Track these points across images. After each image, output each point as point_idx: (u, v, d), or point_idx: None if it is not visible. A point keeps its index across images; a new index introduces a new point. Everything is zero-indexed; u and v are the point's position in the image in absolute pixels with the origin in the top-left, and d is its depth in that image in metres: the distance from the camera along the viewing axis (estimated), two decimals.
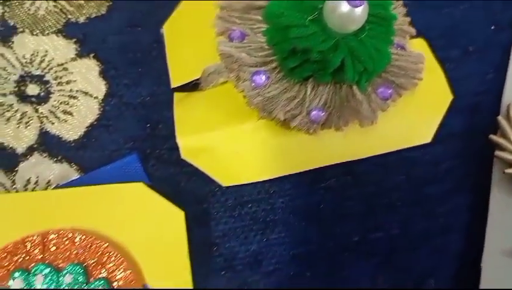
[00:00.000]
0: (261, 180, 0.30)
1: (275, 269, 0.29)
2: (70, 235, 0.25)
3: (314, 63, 0.27)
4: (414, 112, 0.31)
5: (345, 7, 0.25)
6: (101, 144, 0.30)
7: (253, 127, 0.30)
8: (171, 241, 0.26)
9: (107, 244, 0.25)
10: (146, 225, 0.26)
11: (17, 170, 0.28)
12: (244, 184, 0.30)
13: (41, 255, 0.24)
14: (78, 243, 0.25)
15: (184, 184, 0.30)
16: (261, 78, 0.29)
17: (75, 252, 0.25)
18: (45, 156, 0.29)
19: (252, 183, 0.30)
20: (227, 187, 0.30)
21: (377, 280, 0.29)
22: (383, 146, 0.31)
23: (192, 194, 0.30)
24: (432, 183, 0.31)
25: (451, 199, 0.31)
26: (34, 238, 0.24)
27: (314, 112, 0.29)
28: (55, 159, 0.29)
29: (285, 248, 0.30)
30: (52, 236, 0.24)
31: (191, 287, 0.26)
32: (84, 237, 0.25)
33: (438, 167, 0.31)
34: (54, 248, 0.24)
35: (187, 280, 0.26)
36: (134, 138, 0.31)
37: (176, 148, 0.30)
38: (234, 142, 0.30)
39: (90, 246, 0.25)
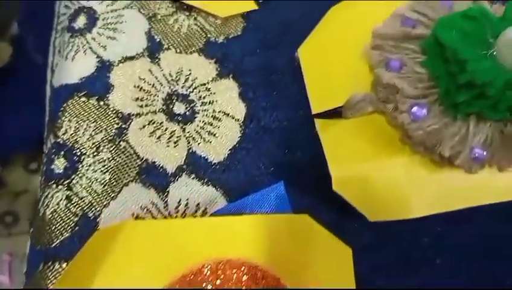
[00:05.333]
0: (410, 217, 0.29)
1: None
2: (238, 264, 0.24)
3: (484, 99, 0.26)
4: None
5: None
6: (243, 168, 0.29)
7: (406, 161, 0.29)
8: (338, 278, 0.25)
9: (279, 278, 0.24)
10: (310, 259, 0.25)
11: (168, 191, 0.27)
12: (389, 221, 0.29)
13: (218, 281, 0.23)
14: (246, 272, 0.24)
15: (325, 215, 0.29)
16: (422, 111, 0.28)
17: (244, 280, 0.24)
18: (193, 178, 0.28)
19: (398, 220, 0.29)
20: (373, 223, 0.28)
21: None
22: None
23: (334, 226, 0.29)
24: None
25: None
26: (210, 265, 0.24)
27: (477, 150, 0.27)
28: (202, 181, 0.28)
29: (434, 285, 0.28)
30: (222, 264, 0.24)
31: None
32: (251, 267, 0.24)
33: None
34: (223, 276, 0.23)
35: None
36: (275, 163, 0.30)
37: (315, 177, 0.29)
38: (384, 177, 0.29)
39: (256, 275, 0.24)
